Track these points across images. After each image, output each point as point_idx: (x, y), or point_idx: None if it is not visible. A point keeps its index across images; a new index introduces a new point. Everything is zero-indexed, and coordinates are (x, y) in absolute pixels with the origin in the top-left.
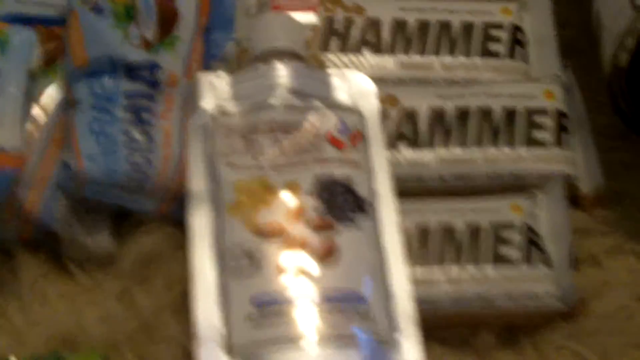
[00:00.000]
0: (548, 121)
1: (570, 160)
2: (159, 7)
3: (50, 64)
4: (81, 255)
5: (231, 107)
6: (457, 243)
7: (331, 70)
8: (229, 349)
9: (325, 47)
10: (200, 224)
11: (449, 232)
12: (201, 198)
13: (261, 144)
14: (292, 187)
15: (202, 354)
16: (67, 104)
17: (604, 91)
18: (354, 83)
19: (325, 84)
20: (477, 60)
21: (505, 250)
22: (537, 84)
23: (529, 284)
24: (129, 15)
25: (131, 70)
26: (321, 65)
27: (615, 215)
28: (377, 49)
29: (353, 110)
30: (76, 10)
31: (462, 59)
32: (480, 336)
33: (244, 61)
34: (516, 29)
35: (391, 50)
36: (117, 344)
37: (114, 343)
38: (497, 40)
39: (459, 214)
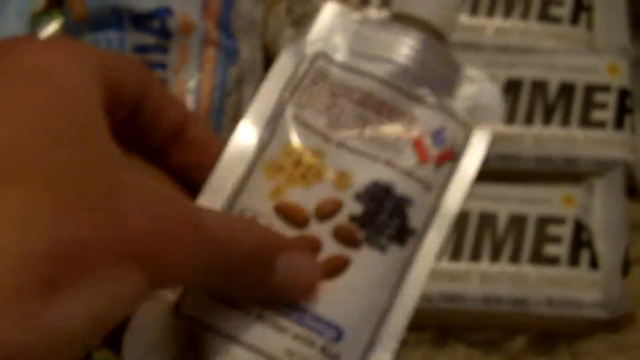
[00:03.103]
0: (609, 100)
1: (630, 145)
2: None
3: (56, 6)
4: None
5: (338, 53)
6: (496, 235)
7: (470, 69)
8: None
9: None
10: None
11: (489, 222)
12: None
13: (343, 112)
14: (342, 178)
15: None
16: None
17: None
18: (484, 96)
19: (453, 80)
20: (535, 24)
21: (550, 248)
22: (600, 56)
23: (573, 289)
24: None
25: (139, 20)
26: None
27: None
28: None
29: (462, 124)
30: None
31: (517, 22)
32: (512, 341)
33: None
34: None
35: None
36: None
37: None
38: (558, 3)
39: (504, 202)
